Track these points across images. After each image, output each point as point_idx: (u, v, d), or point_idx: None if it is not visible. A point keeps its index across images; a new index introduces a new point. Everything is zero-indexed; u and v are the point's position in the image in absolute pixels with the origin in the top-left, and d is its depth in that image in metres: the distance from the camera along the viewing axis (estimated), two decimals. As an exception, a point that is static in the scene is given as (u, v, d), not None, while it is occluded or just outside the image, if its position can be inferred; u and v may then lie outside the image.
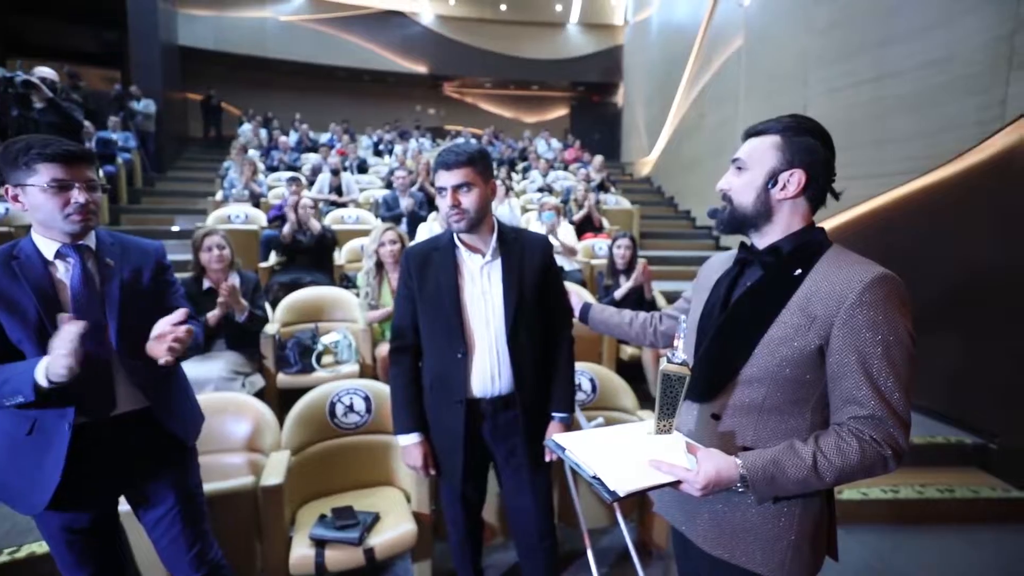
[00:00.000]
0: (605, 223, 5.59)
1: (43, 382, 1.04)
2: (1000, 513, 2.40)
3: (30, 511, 1.19)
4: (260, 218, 4.97)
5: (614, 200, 6.77)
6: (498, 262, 1.49)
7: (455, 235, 1.49)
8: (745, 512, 0.95)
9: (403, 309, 1.54)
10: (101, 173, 5.59)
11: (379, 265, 2.74)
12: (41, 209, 1.14)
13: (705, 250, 6.40)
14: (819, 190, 0.96)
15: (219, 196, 5.75)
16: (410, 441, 1.53)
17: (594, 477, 0.86)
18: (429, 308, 1.48)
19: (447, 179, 1.38)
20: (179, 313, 1.16)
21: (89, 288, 1.19)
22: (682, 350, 0.93)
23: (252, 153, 7.52)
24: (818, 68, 4.29)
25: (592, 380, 2.33)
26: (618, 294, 3.34)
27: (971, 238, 2.83)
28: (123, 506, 1.37)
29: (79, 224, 1.16)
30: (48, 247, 1.18)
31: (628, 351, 3.27)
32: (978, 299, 2.76)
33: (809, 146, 0.94)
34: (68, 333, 1.01)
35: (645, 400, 2.43)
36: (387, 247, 2.68)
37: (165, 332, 1.15)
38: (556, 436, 1.01)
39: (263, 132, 9.80)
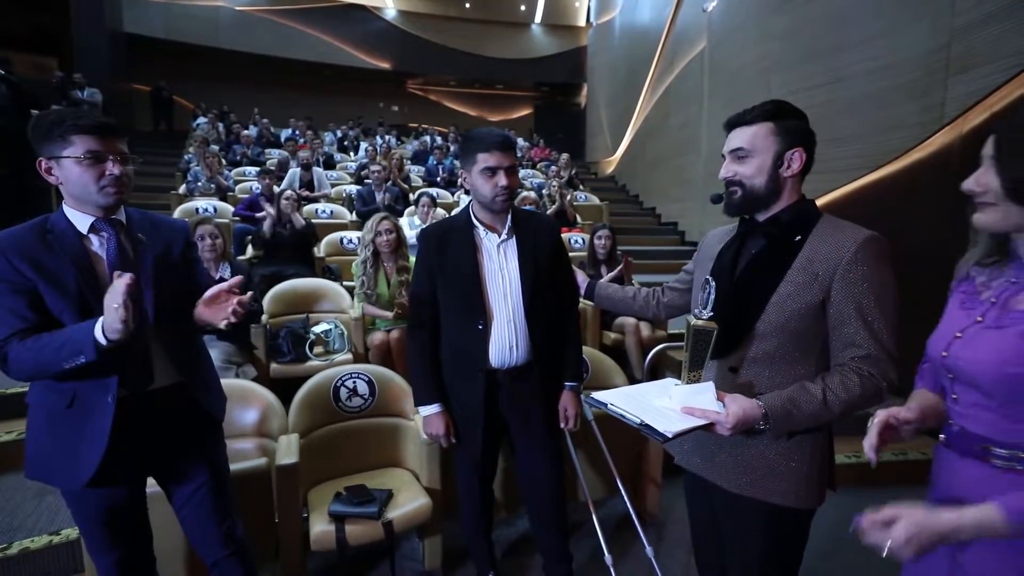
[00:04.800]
0: (578, 218, 5.76)
1: (102, 340, 1.04)
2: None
3: (71, 485, 1.18)
4: (229, 211, 4.84)
5: (583, 196, 6.96)
6: (513, 240, 1.57)
7: (472, 215, 1.56)
8: (763, 451, 1.08)
9: (422, 286, 1.59)
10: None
11: (375, 254, 2.76)
12: (76, 182, 1.13)
13: (670, 245, 6.69)
14: (811, 160, 1.10)
15: (182, 190, 5.54)
16: (431, 411, 1.59)
17: (642, 424, 0.96)
18: (450, 283, 1.55)
19: (503, 160, 1.46)
20: (236, 280, 1.19)
21: (124, 261, 1.19)
22: (709, 308, 1.04)
23: (211, 148, 7.26)
24: (778, 72, 4.59)
25: (586, 360, 2.44)
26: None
27: (915, 229, 3.13)
28: (149, 488, 1.36)
29: (113, 196, 1.16)
30: (82, 221, 1.18)
31: (611, 337, 3.41)
32: (923, 284, 3.04)
33: (798, 126, 1.08)
34: (119, 286, 1.01)
35: (632, 383, 2.55)
36: (383, 236, 2.71)
37: (221, 297, 1.17)
38: (594, 393, 1.10)
39: (220, 126, 9.45)
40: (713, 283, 1.03)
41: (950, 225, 2.88)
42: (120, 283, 1.00)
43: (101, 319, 1.04)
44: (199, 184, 5.40)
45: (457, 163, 8.15)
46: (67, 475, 1.16)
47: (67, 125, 1.11)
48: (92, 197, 1.15)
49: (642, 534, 1.88)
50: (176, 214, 4.64)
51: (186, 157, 6.63)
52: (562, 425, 1.65)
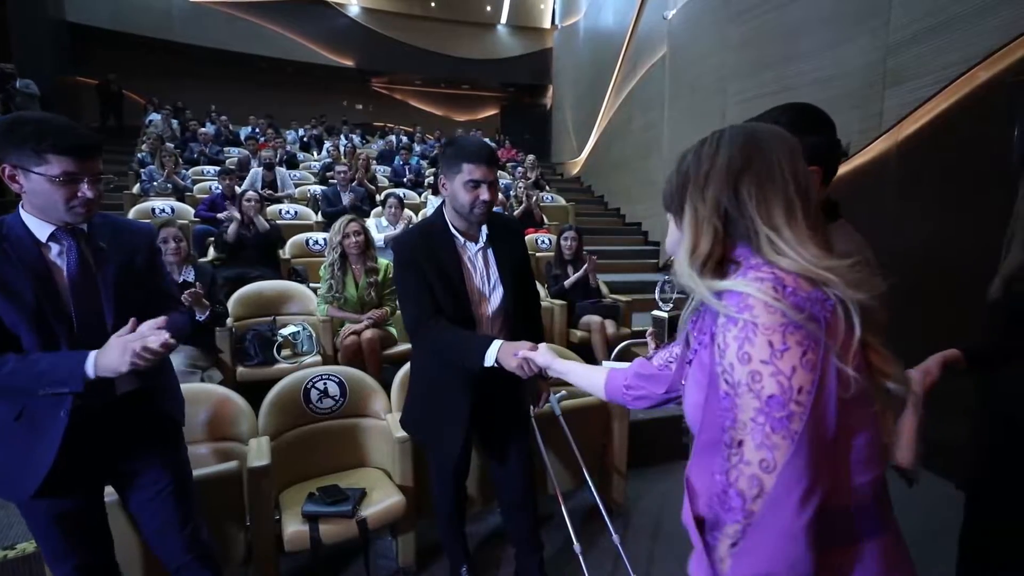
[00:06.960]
0: (544, 219, 5.86)
1: (91, 374, 1.05)
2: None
3: (18, 497, 1.15)
4: (188, 212, 4.70)
5: (549, 197, 7.08)
6: (490, 248, 1.62)
7: (449, 224, 1.58)
8: None
9: (418, 283, 1.54)
10: None
11: (343, 256, 2.76)
12: (45, 197, 1.09)
13: (635, 245, 6.88)
14: (832, 170, 1.07)
15: (136, 189, 5.33)
16: (497, 346, 1.40)
17: None
18: (440, 291, 1.54)
19: (488, 174, 1.47)
20: (160, 320, 1.11)
21: (85, 273, 1.16)
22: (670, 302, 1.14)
23: (168, 146, 7.00)
24: (734, 80, 4.80)
25: (553, 359, 2.52)
26: (567, 283, 3.58)
27: (857, 228, 3.36)
28: (107, 496, 1.33)
29: (81, 216, 1.14)
30: (40, 229, 1.14)
31: (578, 335, 3.51)
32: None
33: (816, 143, 0.99)
34: (154, 342, 1.06)
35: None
36: (352, 239, 2.71)
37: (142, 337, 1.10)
38: None
39: (175, 123, 9.09)
40: (666, 278, 1.12)
41: (887, 224, 3.14)
42: (156, 339, 1.05)
43: (93, 354, 1.06)
44: (155, 184, 5.21)
45: (423, 163, 8.16)
46: (12, 486, 1.14)
47: (47, 144, 1.06)
48: (59, 214, 1.12)
49: (609, 523, 1.97)
50: (130, 215, 4.47)
51: (139, 155, 6.36)
52: (531, 408, 1.72)
